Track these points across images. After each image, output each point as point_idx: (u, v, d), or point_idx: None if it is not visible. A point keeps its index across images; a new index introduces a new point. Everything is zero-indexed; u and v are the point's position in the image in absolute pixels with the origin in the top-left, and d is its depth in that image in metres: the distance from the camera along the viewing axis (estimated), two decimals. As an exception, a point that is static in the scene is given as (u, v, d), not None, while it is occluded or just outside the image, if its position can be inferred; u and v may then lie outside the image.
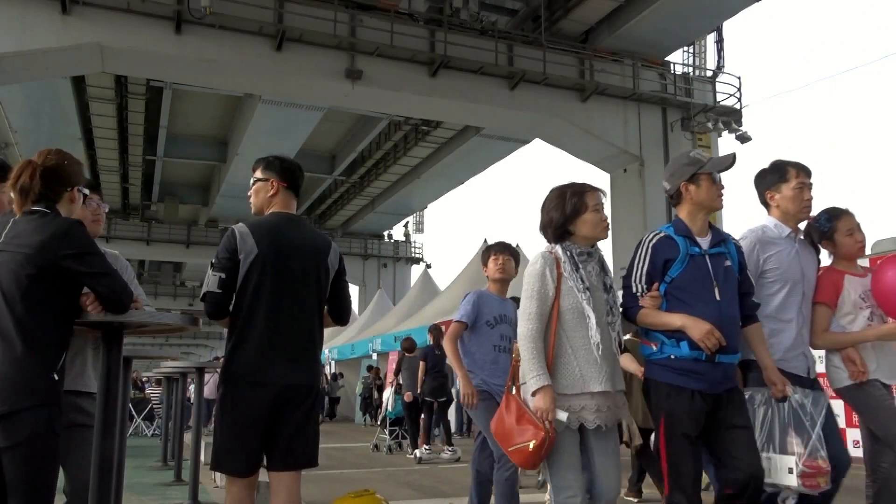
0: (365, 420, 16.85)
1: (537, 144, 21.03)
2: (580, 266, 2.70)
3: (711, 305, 2.71)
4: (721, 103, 17.93)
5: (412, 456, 9.63)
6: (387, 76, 14.90)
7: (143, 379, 17.52)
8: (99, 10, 12.95)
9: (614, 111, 16.81)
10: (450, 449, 9.79)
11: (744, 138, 17.37)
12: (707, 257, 2.79)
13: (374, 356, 17.61)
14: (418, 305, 17.10)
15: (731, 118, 17.57)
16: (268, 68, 14.28)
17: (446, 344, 4.11)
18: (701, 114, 17.40)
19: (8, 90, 17.70)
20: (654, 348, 2.79)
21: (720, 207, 2.90)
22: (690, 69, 18.68)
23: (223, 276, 2.69)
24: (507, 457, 3.65)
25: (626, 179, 17.14)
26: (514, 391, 2.75)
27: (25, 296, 2.20)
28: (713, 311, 2.69)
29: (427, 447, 9.71)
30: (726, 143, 18.41)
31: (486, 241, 16.41)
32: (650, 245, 2.84)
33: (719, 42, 18.60)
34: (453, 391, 11.33)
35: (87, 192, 2.58)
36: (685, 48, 18.48)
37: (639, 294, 2.81)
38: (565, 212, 2.73)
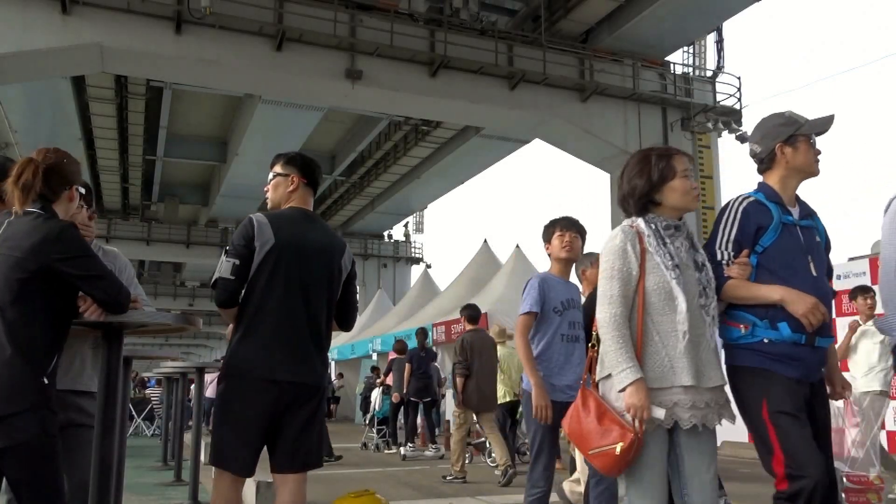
0: (365, 420, 16.89)
1: (537, 144, 21.05)
2: (667, 241, 2.35)
3: (808, 280, 2.41)
4: (721, 103, 17.94)
5: (391, 451, 9.88)
6: (387, 76, 14.90)
7: (146, 379, 17.54)
8: (99, 10, 12.95)
9: (614, 111, 16.81)
10: (434, 447, 10.01)
11: (744, 138, 17.37)
12: (798, 228, 2.50)
13: (374, 356, 17.62)
14: (418, 305, 17.13)
15: (731, 118, 17.59)
16: (268, 68, 14.27)
17: (518, 341, 3.58)
18: (701, 114, 17.40)
19: (8, 90, 17.70)
20: (744, 331, 2.43)
21: (817, 173, 2.58)
22: (690, 69, 18.68)
23: (237, 262, 2.64)
24: (538, 480, 3.38)
25: (626, 179, 17.11)
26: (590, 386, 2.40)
27: (17, 299, 2.19)
28: (810, 287, 2.39)
29: (411, 445, 9.91)
30: (726, 144, 18.44)
31: (485, 241, 16.46)
32: (740, 208, 2.50)
33: (719, 42, 18.61)
34: (450, 393, 11.40)
35: (83, 190, 2.57)
36: (685, 48, 18.49)
37: (725, 262, 2.47)
38: (651, 178, 2.38)
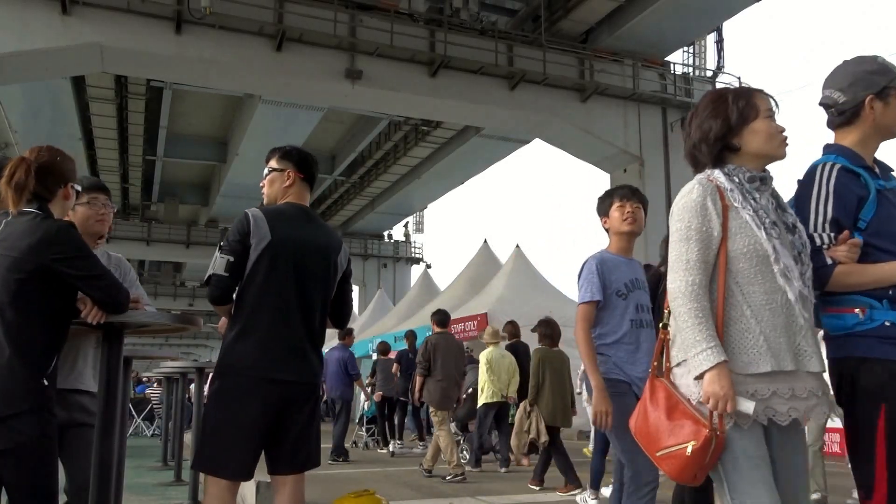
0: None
1: (537, 144, 21.05)
2: (755, 195, 1.97)
3: None
4: (721, 103, 17.92)
5: (384, 451, 10.07)
6: (387, 76, 14.90)
7: (145, 379, 17.53)
8: (99, 10, 12.95)
9: (614, 111, 16.81)
10: (422, 444, 10.38)
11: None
12: (889, 192, 2.13)
13: (374, 356, 17.62)
14: (418, 305, 17.12)
15: (731, 118, 17.57)
16: (268, 68, 14.27)
17: (579, 335, 3.06)
18: (701, 114, 17.39)
19: (8, 90, 17.69)
20: (861, 316, 2.02)
21: None
22: (690, 69, 18.69)
23: (231, 259, 2.57)
24: (644, 475, 2.81)
25: (626, 179, 17.11)
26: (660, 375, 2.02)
27: (15, 300, 2.18)
28: None
29: (399, 442, 10.13)
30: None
31: (485, 241, 16.47)
32: (832, 180, 2.07)
33: (719, 42, 18.62)
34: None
35: (79, 188, 2.55)
36: (685, 48, 18.50)
37: (825, 246, 2.04)
38: (729, 120, 1.99)
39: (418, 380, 7.73)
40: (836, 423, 9.43)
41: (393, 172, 26.88)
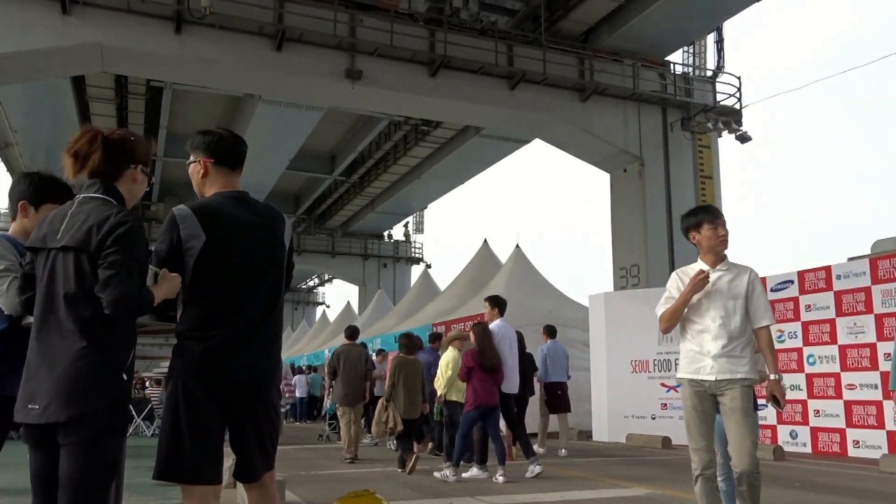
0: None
1: (537, 144, 21.06)
2: None
3: None
4: (721, 103, 17.95)
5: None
6: (387, 76, 14.92)
7: (147, 379, 17.55)
8: (99, 10, 12.96)
9: (614, 111, 16.82)
10: (369, 434, 11.05)
11: (744, 138, 17.41)
12: None
13: (374, 356, 17.62)
14: (418, 305, 17.15)
15: (731, 118, 17.60)
16: (268, 68, 14.29)
17: None
18: (701, 114, 17.41)
19: (8, 90, 17.71)
20: None
21: None
22: (690, 69, 18.70)
23: (158, 272, 2.40)
24: None
25: (626, 179, 17.16)
26: None
27: (87, 293, 2.10)
28: None
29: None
30: (726, 143, 18.41)
31: (485, 241, 16.49)
32: None
33: (719, 42, 18.63)
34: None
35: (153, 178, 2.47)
36: (685, 48, 18.51)
37: None
38: None
39: (328, 380, 9.39)
40: (835, 423, 9.34)
41: (393, 172, 26.90)
